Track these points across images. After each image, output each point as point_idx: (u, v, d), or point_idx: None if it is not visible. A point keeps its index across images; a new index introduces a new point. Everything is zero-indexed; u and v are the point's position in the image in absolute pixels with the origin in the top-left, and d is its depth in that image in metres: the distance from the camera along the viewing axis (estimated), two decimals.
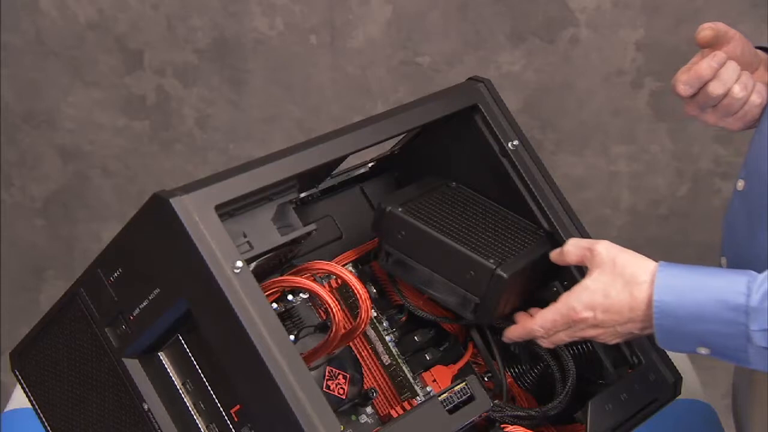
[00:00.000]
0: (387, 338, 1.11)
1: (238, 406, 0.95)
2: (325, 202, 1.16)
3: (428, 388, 1.10)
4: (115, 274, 0.96)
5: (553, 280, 1.11)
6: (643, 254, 1.00)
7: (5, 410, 1.49)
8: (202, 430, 0.97)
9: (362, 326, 1.01)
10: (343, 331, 0.99)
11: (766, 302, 0.93)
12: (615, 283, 0.99)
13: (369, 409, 1.06)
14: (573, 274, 1.10)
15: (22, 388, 1.07)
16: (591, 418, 1.03)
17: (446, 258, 1.05)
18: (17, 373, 1.08)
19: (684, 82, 1.05)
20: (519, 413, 1.07)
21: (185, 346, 0.97)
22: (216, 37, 2.05)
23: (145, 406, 0.98)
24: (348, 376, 1.02)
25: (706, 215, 2.08)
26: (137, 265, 0.95)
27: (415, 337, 1.12)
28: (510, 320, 1.08)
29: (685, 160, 2.05)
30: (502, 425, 1.04)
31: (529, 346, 1.11)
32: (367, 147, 1.04)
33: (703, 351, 0.97)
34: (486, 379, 1.13)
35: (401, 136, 1.15)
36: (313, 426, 0.87)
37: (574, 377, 1.08)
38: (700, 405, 1.46)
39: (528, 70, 2.02)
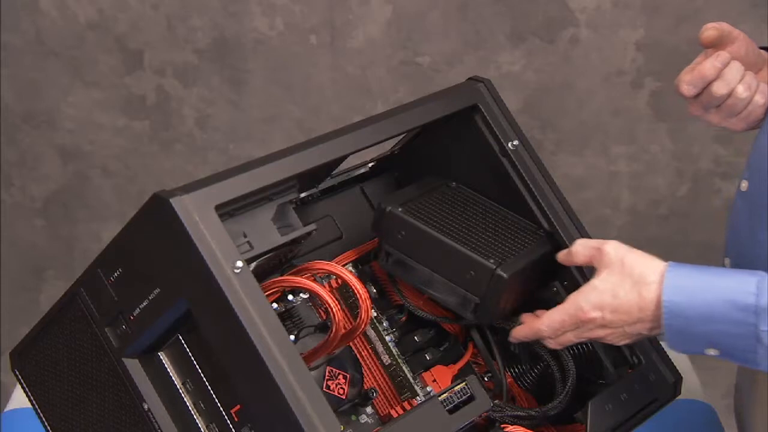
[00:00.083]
0: (387, 338, 1.11)
1: (238, 406, 0.95)
2: (325, 202, 1.16)
3: (428, 388, 1.10)
4: (115, 274, 0.96)
5: (553, 280, 1.11)
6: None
7: (5, 410, 1.49)
8: (202, 430, 0.97)
9: (362, 326, 1.01)
10: (343, 331, 0.99)
11: None
12: (624, 283, 0.98)
13: (369, 409, 1.06)
14: (573, 274, 1.10)
15: (22, 388, 1.07)
16: (591, 418, 1.03)
17: (446, 258, 1.05)
18: (17, 373, 1.08)
19: (687, 82, 1.05)
20: (519, 413, 1.07)
21: (185, 346, 0.97)
22: (216, 37, 2.05)
23: (145, 406, 0.98)
24: (348, 376, 1.02)
25: (706, 215, 2.08)
26: (137, 265, 0.95)
27: (415, 337, 1.12)
28: (510, 320, 1.08)
29: (685, 160, 2.05)
30: (502, 425, 1.04)
31: (529, 346, 1.11)
32: (367, 147, 1.04)
33: (712, 352, 0.97)
34: (486, 379, 1.13)
35: (401, 136, 1.15)
36: (313, 426, 0.87)
37: (574, 377, 1.08)
38: (700, 405, 1.46)
39: (528, 70, 2.02)
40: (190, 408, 0.98)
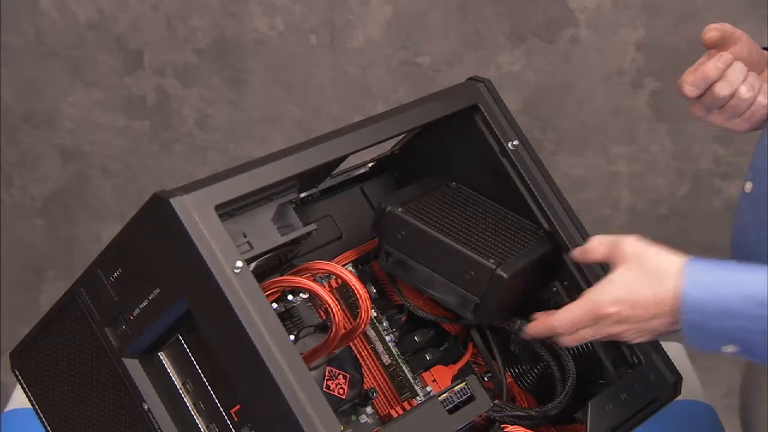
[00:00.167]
0: (387, 338, 1.11)
1: (238, 406, 0.95)
2: (325, 202, 1.16)
3: (428, 388, 1.10)
4: (115, 274, 0.96)
5: (553, 280, 1.11)
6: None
7: (5, 410, 1.49)
8: (202, 430, 0.97)
9: (362, 326, 1.01)
10: (343, 331, 0.99)
11: None
12: (641, 278, 0.97)
13: (369, 409, 1.06)
14: (573, 274, 1.10)
15: (22, 388, 1.07)
16: (591, 418, 1.03)
17: (446, 258, 1.05)
18: (17, 373, 1.08)
19: (690, 83, 1.05)
20: (519, 413, 1.07)
21: (185, 346, 0.97)
22: (216, 37, 2.05)
23: (145, 406, 0.98)
24: (348, 376, 1.02)
25: (706, 215, 2.08)
26: (137, 265, 0.95)
27: (415, 337, 1.12)
28: (510, 320, 1.09)
29: (685, 160, 2.05)
30: (502, 425, 1.04)
31: (530, 345, 1.11)
32: (367, 147, 1.04)
33: (730, 349, 0.95)
34: (486, 379, 1.13)
35: (401, 136, 1.15)
36: (313, 426, 0.87)
37: (574, 377, 1.08)
38: (701, 405, 1.46)
39: (528, 70, 2.02)
40: (190, 408, 0.98)
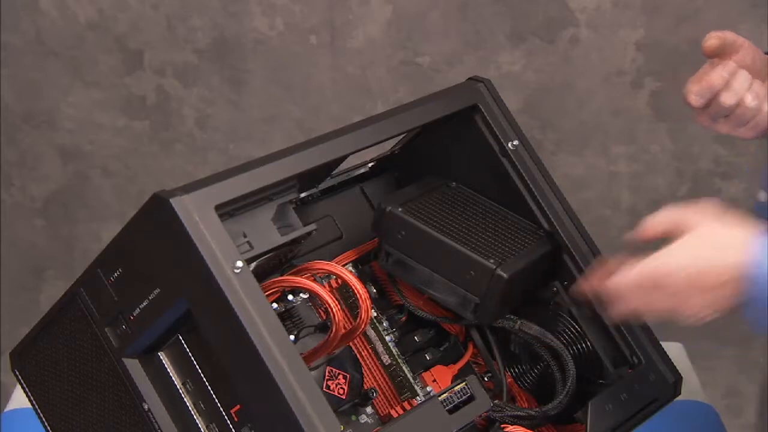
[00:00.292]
0: (387, 338, 1.11)
1: (238, 406, 0.95)
2: (325, 202, 1.16)
3: (428, 388, 1.10)
4: (115, 274, 0.96)
5: (553, 280, 1.11)
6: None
7: (5, 410, 1.49)
8: (202, 430, 0.97)
9: (362, 326, 1.01)
10: (343, 331, 0.99)
11: None
12: (704, 249, 0.93)
13: (369, 409, 1.06)
14: (573, 274, 1.10)
15: (22, 388, 1.07)
16: (591, 418, 1.03)
17: (446, 258, 1.05)
18: (17, 373, 1.08)
19: (696, 93, 1.04)
20: (519, 413, 1.07)
21: (185, 346, 0.97)
22: (216, 37, 2.05)
23: (145, 406, 0.98)
24: (348, 376, 1.02)
25: None
26: (137, 265, 0.95)
27: (415, 337, 1.12)
28: (510, 320, 1.09)
29: (685, 160, 2.05)
30: (502, 425, 1.04)
31: (530, 346, 1.11)
32: (367, 147, 1.04)
33: None
34: (486, 379, 1.13)
35: (401, 136, 1.15)
36: (313, 426, 0.87)
37: (574, 377, 1.08)
38: (701, 405, 1.46)
39: (528, 70, 2.02)
40: (190, 408, 0.98)
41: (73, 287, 1.00)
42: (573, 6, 1.97)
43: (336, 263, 1.07)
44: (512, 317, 1.09)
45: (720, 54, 1.05)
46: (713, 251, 0.93)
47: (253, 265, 0.97)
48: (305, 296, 1.04)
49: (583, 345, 1.11)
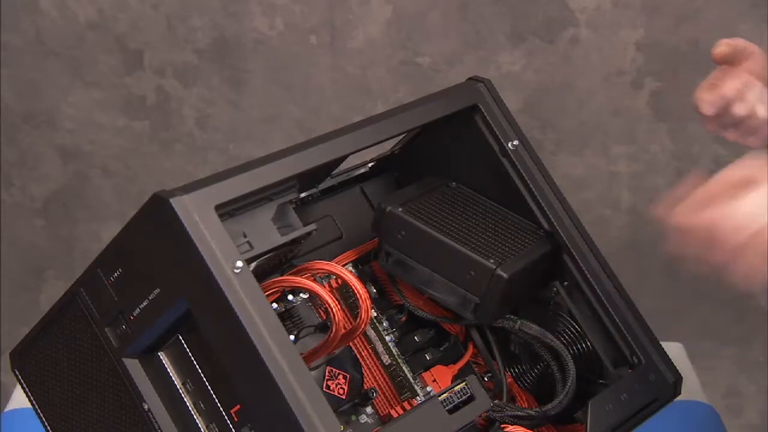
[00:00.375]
0: (387, 338, 1.11)
1: (238, 406, 0.95)
2: (325, 202, 1.16)
3: (428, 388, 1.10)
4: (115, 274, 0.96)
5: (553, 280, 1.11)
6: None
7: (5, 410, 1.49)
8: (202, 430, 0.97)
9: (362, 326, 1.01)
10: (343, 331, 0.99)
11: None
12: None
13: (369, 409, 1.06)
14: (573, 274, 1.10)
15: (22, 388, 1.07)
16: (591, 418, 1.03)
17: (446, 258, 1.05)
18: (17, 373, 1.08)
19: (709, 102, 1.03)
20: (519, 413, 1.07)
21: (185, 346, 0.97)
22: (216, 37, 2.05)
23: (145, 406, 0.98)
24: (348, 376, 1.02)
25: None
26: (137, 265, 0.95)
27: (415, 337, 1.12)
28: (511, 320, 1.09)
29: (685, 160, 2.05)
30: (502, 425, 1.04)
31: (530, 346, 1.11)
32: (367, 147, 1.04)
33: None
34: (486, 379, 1.14)
35: (401, 136, 1.15)
36: (313, 426, 0.87)
37: (574, 377, 1.08)
38: (701, 405, 1.46)
39: (528, 70, 2.02)
40: (190, 408, 0.98)
41: (73, 287, 1.00)
42: (573, 6, 1.97)
43: (336, 263, 1.07)
44: (512, 317, 1.09)
45: (730, 61, 1.04)
46: None
47: (253, 265, 0.97)
48: (305, 296, 1.04)
49: (583, 345, 1.11)
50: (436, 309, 1.11)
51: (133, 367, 0.98)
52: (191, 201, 0.91)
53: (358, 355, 1.07)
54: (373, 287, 1.13)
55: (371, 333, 1.10)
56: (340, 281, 1.09)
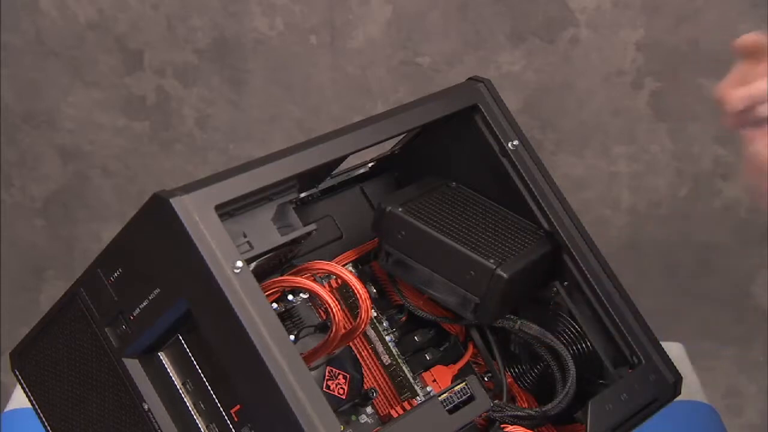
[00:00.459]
0: (387, 338, 1.11)
1: (238, 406, 0.95)
2: (325, 202, 1.16)
3: (428, 388, 1.10)
4: (115, 274, 0.96)
5: (553, 280, 1.11)
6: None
7: (5, 410, 1.49)
8: (202, 430, 0.97)
9: (362, 326, 1.01)
10: (343, 331, 0.99)
11: None
12: None
13: (369, 409, 1.06)
14: (573, 274, 1.10)
15: (22, 388, 1.07)
16: (591, 418, 1.03)
17: (446, 258, 1.05)
18: (17, 373, 1.08)
19: (738, 99, 1.02)
20: (519, 413, 1.07)
21: (185, 346, 0.97)
22: (216, 37, 2.05)
23: (145, 406, 0.98)
24: (348, 376, 1.02)
25: (707, 216, 2.08)
26: (137, 265, 0.95)
27: (415, 337, 1.12)
28: (510, 320, 1.09)
29: (685, 160, 2.06)
30: (502, 425, 1.04)
31: (530, 346, 1.11)
32: (367, 147, 1.04)
33: None
34: (486, 379, 1.14)
35: (401, 136, 1.15)
36: (313, 426, 0.87)
37: (574, 377, 1.08)
38: (701, 405, 1.46)
39: (528, 70, 2.02)
40: (190, 408, 0.98)
41: (73, 287, 1.00)
42: (573, 6, 1.97)
43: (336, 263, 1.07)
44: (512, 317, 1.09)
45: (752, 55, 1.03)
46: None
47: (253, 265, 0.97)
48: (305, 296, 1.04)
49: (583, 345, 1.11)
50: (436, 309, 1.11)
51: (133, 367, 0.98)
52: (191, 201, 0.91)
53: (358, 355, 1.07)
54: (373, 287, 1.13)
55: (371, 333, 1.10)
56: (340, 281, 1.09)
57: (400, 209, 1.07)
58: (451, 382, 1.08)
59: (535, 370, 1.13)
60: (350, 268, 1.13)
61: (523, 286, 1.09)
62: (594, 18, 1.98)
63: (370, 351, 1.10)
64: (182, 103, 2.10)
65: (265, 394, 0.89)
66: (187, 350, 0.97)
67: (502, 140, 1.11)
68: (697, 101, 2.00)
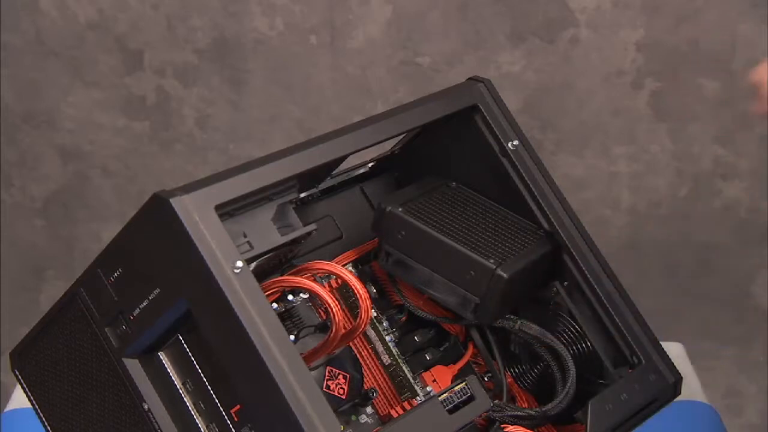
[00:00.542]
0: (387, 338, 1.11)
1: (238, 406, 0.95)
2: (325, 202, 1.16)
3: (428, 388, 1.10)
4: (115, 274, 0.96)
5: (553, 280, 1.11)
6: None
7: (5, 410, 1.49)
8: (202, 430, 0.97)
9: (362, 326, 1.01)
10: (343, 331, 0.99)
11: None
12: None
13: (369, 409, 1.06)
14: (573, 274, 1.10)
15: (22, 388, 1.07)
16: (591, 418, 1.03)
17: (446, 258, 1.05)
18: (17, 373, 1.08)
19: None
20: (519, 413, 1.07)
21: (185, 346, 0.97)
22: (216, 37, 2.05)
23: (145, 406, 0.98)
24: (348, 376, 1.02)
25: (707, 216, 2.08)
26: (137, 265, 0.95)
27: (415, 337, 1.12)
28: (510, 320, 1.09)
29: (685, 160, 2.06)
30: (502, 425, 1.04)
31: (530, 346, 1.11)
32: (367, 147, 1.04)
33: None
34: (486, 379, 1.14)
35: (401, 136, 1.15)
36: (313, 426, 0.87)
37: (574, 377, 1.08)
38: (701, 405, 1.46)
39: (528, 70, 2.02)
40: (190, 408, 0.98)
41: (73, 287, 1.00)
42: (573, 6, 1.97)
43: (336, 263, 1.07)
44: (512, 317, 1.09)
45: None
46: None
47: (253, 265, 0.97)
48: (305, 296, 1.04)
49: (583, 345, 1.11)
50: (436, 309, 1.11)
51: (133, 367, 0.98)
52: (191, 201, 0.91)
53: (358, 355, 1.07)
54: (373, 287, 1.13)
55: (371, 333, 1.10)
56: (340, 281, 1.09)
57: (400, 209, 1.07)
58: (451, 382, 1.08)
59: (535, 370, 1.13)
60: (350, 268, 1.13)
61: (523, 286, 1.09)
62: (594, 18, 1.98)
63: (370, 351, 1.10)
64: (182, 103, 2.10)
65: (265, 394, 0.89)
66: (187, 350, 0.97)
67: (502, 140, 1.11)
68: (697, 101, 2.00)
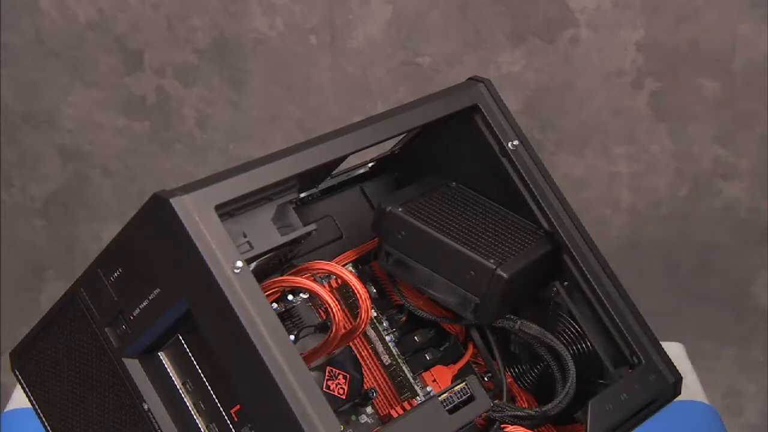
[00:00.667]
0: (387, 338, 1.11)
1: (238, 406, 0.95)
2: (325, 202, 1.16)
3: (428, 388, 1.10)
4: (115, 274, 0.96)
5: (553, 280, 1.11)
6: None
7: (5, 410, 1.49)
8: (202, 430, 0.97)
9: (362, 326, 1.01)
10: (343, 331, 0.99)
11: None
12: None
13: (369, 409, 1.06)
14: (573, 274, 1.10)
15: (22, 388, 1.07)
16: (591, 418, 1.03)
17: (446, 258, 1.05)
18: (17, 373, 1.08)
19: None
20: (519, 413, 1.07)
21: (185, 346, 0.97)
22: (216, 37, 2.05)
23: (145, 406, 0.98)
24: (348, 376, 1.02)
25: (707, 216, 2.08)
26: (137, 265, 0.95)
27: (415, 337, 1.12)
28: (510, 320, 1.09)
29: (685, 160, 2.06)
30: (502, 425, 1.04)
31: (530, 346, 1.11)
32: (367, 147, 1.04)
33: None
34: (486, 379, 1.14)
35: (401, 136, 1.15)
36: (313, 426, 0.87)
37: (574, 377, 1.08)
38: (701, 405, 1.46)
39: (528, 70, 2.02)
40: (190, 408, 0.98)
41: (73, 287, 1.00)
42: (573, 6, 1.97)
43: (336, 263, 1.07)
44: (512, 317, 1.09)
45: None
46: None
47: (253, 265, 0.97)
48: (305, 296, 1.04)
49: (583, 345, 1.11)
50: (436, 309, 1.11)
51: (133, 367, 0.98)
52: (191, 201, 0.91)
53: (358, 355, 1.07)
54: (373, 287, 1.13)
55: (371, 333, 1.10)
56: (340, 281, 1.09)
57: (400, 209, 1.07)
58: (451, 382, 1.08)
59: (535, 370, 1.13)
60: (350, 268, 1.13)
61: (523, 286, 1.09)
62: (594, 18, 1.98)
63: (370, 351, 1.10)
64: (182, 103, 2.10)
65: (265, 394, 0.89)
66: (187, 350, 0.97)
67: (502, 140, 1.11)
68: (697, 101, 2.00)
